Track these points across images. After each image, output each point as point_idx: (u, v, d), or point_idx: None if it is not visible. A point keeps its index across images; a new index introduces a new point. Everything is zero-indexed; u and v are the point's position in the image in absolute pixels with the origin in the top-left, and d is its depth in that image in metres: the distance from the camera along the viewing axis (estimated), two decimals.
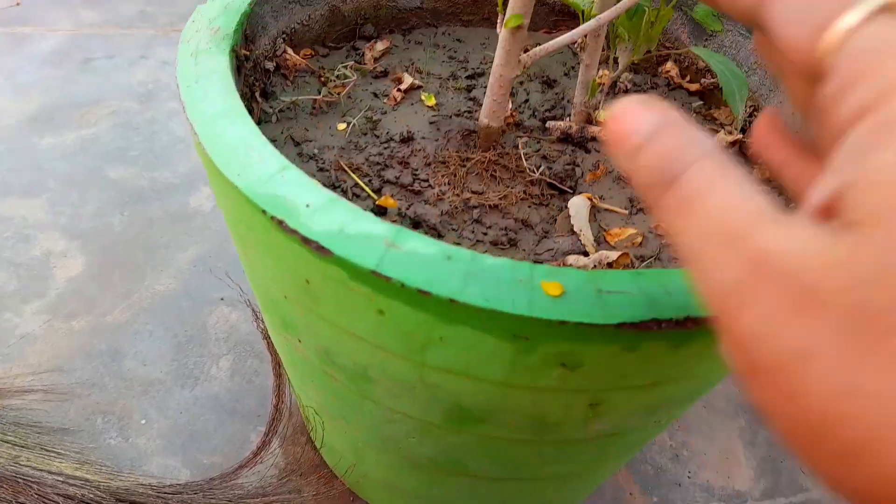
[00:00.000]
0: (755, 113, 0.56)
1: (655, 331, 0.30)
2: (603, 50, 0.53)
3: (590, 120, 0.54)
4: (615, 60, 0.53)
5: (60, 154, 1.09)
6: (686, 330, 0.31)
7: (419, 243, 0.32)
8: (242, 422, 0.77)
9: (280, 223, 0.32)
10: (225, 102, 0.38)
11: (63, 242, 0.95)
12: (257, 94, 0.48)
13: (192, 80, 0.39)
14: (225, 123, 0.37)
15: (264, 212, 0.33)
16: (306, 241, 0.32)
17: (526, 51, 0.65)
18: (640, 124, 0.20)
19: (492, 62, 0.46)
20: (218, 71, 0.40)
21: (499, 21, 0.41)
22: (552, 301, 0.30)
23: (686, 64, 0.61)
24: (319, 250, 0.32)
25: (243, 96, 0.46)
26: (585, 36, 0.50)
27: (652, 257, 0.44)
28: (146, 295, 0.90)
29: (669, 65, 0.62)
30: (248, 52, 0.45)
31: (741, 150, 0.53)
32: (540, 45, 0.65)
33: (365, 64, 0.56)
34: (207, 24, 0.43)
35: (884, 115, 0.16)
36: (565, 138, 0.53)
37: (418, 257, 0.31)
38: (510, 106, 0.53)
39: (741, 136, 0.54)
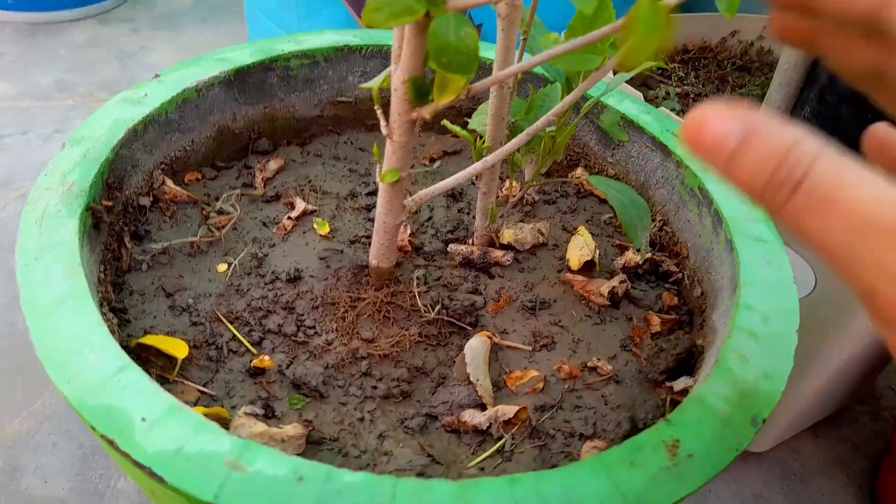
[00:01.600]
0: (665, 227, 0.54)
1: None
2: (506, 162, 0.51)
3: (493, 243, 0.51)
4: (520, 168, 0.51)
5: None
6: None
7: (268, 462, 0.29)
8: None
9: (111, 443, 0.29)
10: (66, 286, 0.34)
11: None
12: (127, 240, 0.44)
13: (32, 255, 0.35)
14: (62, 315, 0.33)
15: (94, 428, 0.29)
16: (139, 466, 0.28)
17: (430, 159, 0.63)
18: (727, 131, 0.20)
19: None
20: (64, 242, 0.36)
21: (376, 170, 0.39)
22: None
23: (597, 169, 0.60)
24: (153, 476, 0.28)
25: (107, 248, 0.43)
26: None
27: (553, 407, 0.42)
28: (50, 401, 0.84)
29: (580, 170, 0.60)
30: (110, 203, 0.42)
31: (653, 267, 0.51)
32: (444, 154, 0.63)
33: (255, 188, 0.53)
34: (61, 180, 0.40)
35: None
36: (467, 263, 0.50)
37: (265, 481, 0.28)
38: (408, 232, 0.50)
39: (650, 253, 0.52)
